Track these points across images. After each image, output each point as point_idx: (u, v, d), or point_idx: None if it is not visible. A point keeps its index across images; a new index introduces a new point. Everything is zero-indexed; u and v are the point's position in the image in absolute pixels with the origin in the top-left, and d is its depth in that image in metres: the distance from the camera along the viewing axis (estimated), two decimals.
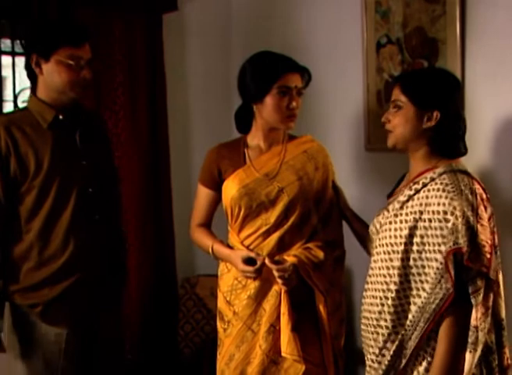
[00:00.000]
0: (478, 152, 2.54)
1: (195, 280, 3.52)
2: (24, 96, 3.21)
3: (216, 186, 2.48)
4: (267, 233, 2.39)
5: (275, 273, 2.29)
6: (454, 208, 1.87)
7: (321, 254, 2.38)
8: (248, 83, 2.38)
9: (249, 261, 2.35)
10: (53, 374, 2.38)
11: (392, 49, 2.89)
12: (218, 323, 2.50)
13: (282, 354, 2.33)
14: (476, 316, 1.86)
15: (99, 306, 2.44)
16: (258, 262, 2.33)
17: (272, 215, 2.38)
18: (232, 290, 2.44)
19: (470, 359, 1.87)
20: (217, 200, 2.51)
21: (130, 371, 3.29)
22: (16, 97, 3.26)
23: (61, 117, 2.37)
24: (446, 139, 2.00)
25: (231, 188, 2.41)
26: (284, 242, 2.39)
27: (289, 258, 2.34)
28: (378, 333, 2.03)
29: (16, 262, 2.36)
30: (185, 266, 3.61)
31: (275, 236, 2.38)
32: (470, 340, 1.86)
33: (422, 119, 1.99)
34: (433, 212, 1.91)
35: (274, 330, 2.35)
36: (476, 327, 1.86)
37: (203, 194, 2.53)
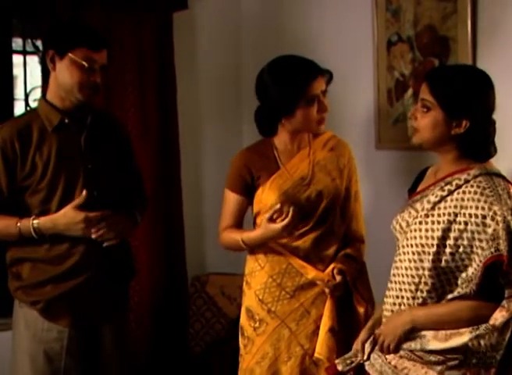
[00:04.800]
0: None
1: (205, 279, 3.52)
2: (35, 95, 3.23)
3: (247, 191, 2.43)
4: (304, 234, 2.38)
5: (327, 290, 2.33)
6: (495, 213, 1.82)
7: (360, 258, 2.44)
8: (273, 97, 2.33)
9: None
10: (56, 371, 2.38)
11: (403, 47, 2.87)
12: (246, 322, 2.44)
13: (316, 354, 2.32)
14: (497, 317, 1.83)
15: (103, 305, 2.44)
16: (288, 218, 2.22)
17: (313, 218, 2.37)
18: (266, 288, 2.40)
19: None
20: (246, 205, 2.46)
21: (140, 369, 3.30)
22: (27, 96, 3.28)
23: (66, 121, 2.36)
24: (476, 145, 1.95)
25: (269, 195, 2.36)
26: (320, 241, 2.39)
27: (337, 271, 2.34)
28: None
29: (22, 260, 2.37)
30: (195, 264, 3.61)
31: (311, 236, 2.38)
32: (477, 327, 1.84)
33: (451, 125, 1.93)
34: (470, 215, 1.86)
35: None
36: (494, 326, 1.83)
37: (232, 200, 2.44)
